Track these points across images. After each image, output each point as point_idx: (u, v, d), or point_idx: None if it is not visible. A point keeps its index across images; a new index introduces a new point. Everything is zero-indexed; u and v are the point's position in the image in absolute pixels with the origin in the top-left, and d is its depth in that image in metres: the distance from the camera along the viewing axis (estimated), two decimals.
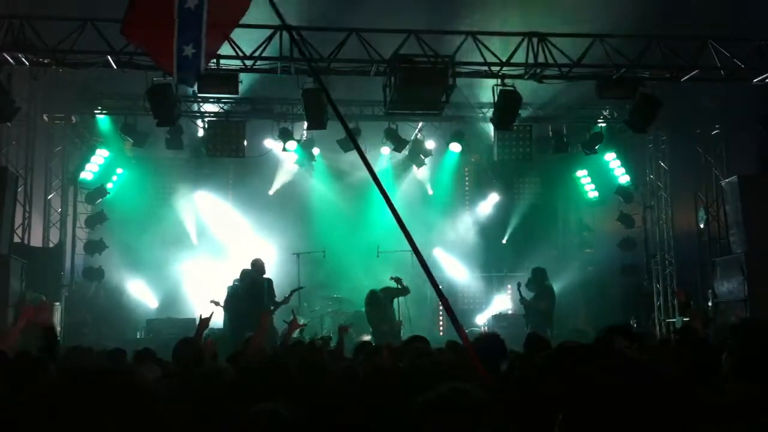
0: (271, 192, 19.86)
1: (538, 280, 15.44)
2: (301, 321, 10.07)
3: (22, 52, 12.84)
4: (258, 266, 14.51)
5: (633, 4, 12.74)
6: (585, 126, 18.22)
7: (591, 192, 19.97)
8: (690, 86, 14.47)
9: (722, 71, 13.72)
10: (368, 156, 18.10)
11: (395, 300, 14.55)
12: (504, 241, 20.37)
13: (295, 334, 8.38)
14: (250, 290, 14.27)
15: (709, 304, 15.57)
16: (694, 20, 13.25)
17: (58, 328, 15.67)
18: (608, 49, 13.45)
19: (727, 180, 15.68)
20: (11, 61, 12.92)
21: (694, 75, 13.84)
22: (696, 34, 13.65)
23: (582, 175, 19.98)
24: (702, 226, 17.31)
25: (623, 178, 18.93)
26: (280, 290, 14.72)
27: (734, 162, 16.55)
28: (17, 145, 15.85)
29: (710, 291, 15.70)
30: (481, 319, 19.03)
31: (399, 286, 14.38)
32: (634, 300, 18.61)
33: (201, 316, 7.39)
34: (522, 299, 15.20)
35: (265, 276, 14.47)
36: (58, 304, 15.91)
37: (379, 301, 14.16)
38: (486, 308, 19.62)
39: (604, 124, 18.10)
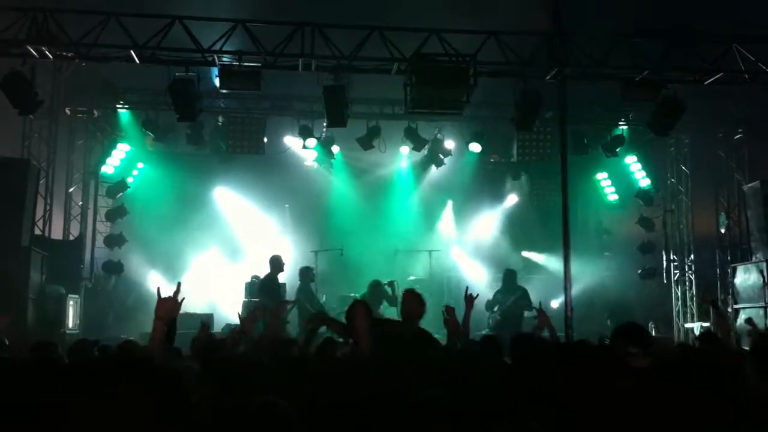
0: (289, 189, 19.89)
1: (512, 282, 15.44)
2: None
3: (45, 46, 12.92)
4: (271, 263, 14.73)
5: (655, 4, 12.66)
6: (606, 128, 18.12)
7: (611, 195, 19.85)
8: (713, 89, 14.34)
9: (746, 74, 13.59)
10: (388, 155, 18.21)
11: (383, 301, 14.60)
12: (521, 241, 20.27)
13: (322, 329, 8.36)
14: (262, 287, 14.60)
15: (729, 309, 15.43)
16: (718, 23, 13.14)
17: (77, 321, 15.81)
18: (631, 50, 13.36)
19: (749, 185, 15.54)
20: (35, 54, 13.01)
21: (718, 78, 13.72)
22: (720, 36, 13.53)
23: (602, 177, 19.87)
24: (722, 231, 17.18)
25: (644, 181, 18.80)
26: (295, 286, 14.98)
27: (757, 167, 16.41)
28: (39, 138, 15.97)
29: (729, 297, 15.58)
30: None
31: (390, 293, 14.49)
32: (654, 304, 18.48)
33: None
34: (492, 305, 15.20)
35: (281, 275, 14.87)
36: (77, 296, 15.99)
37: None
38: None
39: (625, 127, 17.99)
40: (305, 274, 15.26)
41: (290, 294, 15.61)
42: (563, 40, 13.27)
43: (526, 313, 15.00)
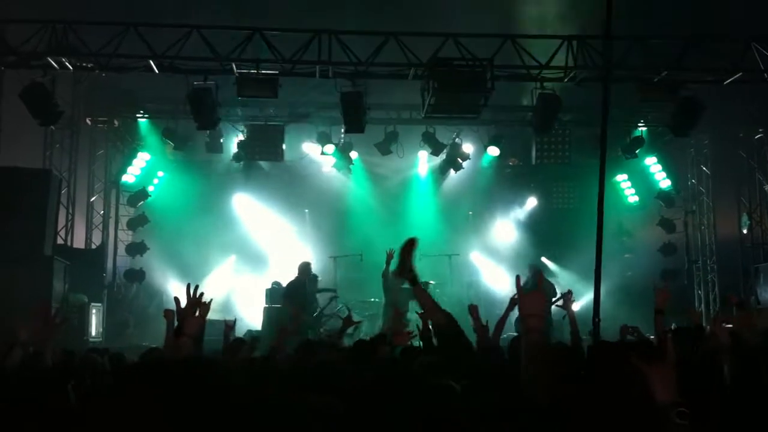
0: (308, 195, 19.95)
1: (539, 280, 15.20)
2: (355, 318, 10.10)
3: (65, 57, 13.08)
4: (299, 269, 14.91)
5: (674, 5, 12.60)
6: (625, 130, 18.01)
7: (631, 196, 19.73)
8: (733, 89, 14.24)
9: (766, 74, 13.48)
10: (406, 160, 18.20)
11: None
12: (540, 245, 20.19)
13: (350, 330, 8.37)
14: (289, 293, 14.70)
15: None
16: (736, 23, 13.05)
17: (100, 329, 15.93)
18: (648, 51, 13.30)
19: None
20: (55, 65, 13.16)
21: (737, 78, 13.62)
22: (739, 36, 13.44)
23: (622, 179, 19.76)
24: (745, 231, 17.04)
25: (664, 182, 18.67)
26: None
27: None
28: (61, 149, 16.11)
29: (753, 297, 15.44)
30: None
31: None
32: (677, 305, 18.32)
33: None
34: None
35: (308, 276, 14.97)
36: (99, 305, 16.11)
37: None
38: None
39: (644, 128, 17.87)
40: (302, 270, 15.16)
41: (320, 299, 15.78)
42: (581, 43, 13.25)
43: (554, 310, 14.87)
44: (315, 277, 15.70)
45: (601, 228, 4.37)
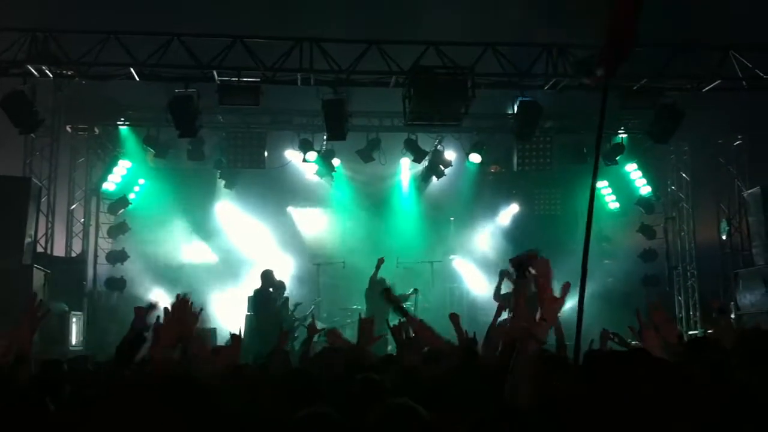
0: (291, 203, 19.94)
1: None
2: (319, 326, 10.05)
3: (45, 65, 13.01)
4: (262, 277, 15.10)
5: (653, 14, 12.69)
6: (606, 136, 18.10)
7: (611, 203, 19.83)
8: (712, 96, 14.38)
9: (744, 81, 13.64)
10: (388, 167, 18.24)
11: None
12: (522, 251, 20.23)
13: (316, 338, 8.30)
14: (254, 301, 15.10)
15: (732, 316, 15.42)
16: (715, 31, 13.19)
17: (81, 338, 15.83)
18: (629, 59, 13.39)
19: (749, 191, 15.56)
20: (35, 73, 13.09)
21: (716, 85, 13.77)
22: (717, 44, 13.59)
23: (602, 185, 19.85)
24: (724, 237, 17.18)
25: (644, 189, 18.79)
26: (298, 299, 15.07)
27: (757, 173, 16.41)
28: (41, 156, 16.01)
29: (732, 303, 15.56)
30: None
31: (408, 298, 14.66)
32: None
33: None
34: (504, 295, 13.98)
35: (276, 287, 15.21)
36: (80, 313, 16.01)
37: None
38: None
39: (625, 135, 17.98)
40: (266, 278, 15.18)
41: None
42: (561, 50, 13.35)
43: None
44: (282, 284, 15.68)
45: (589, 235, 4.38)
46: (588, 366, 3.23)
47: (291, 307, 15.39)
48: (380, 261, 15.43)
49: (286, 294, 15.85)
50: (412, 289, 15.75)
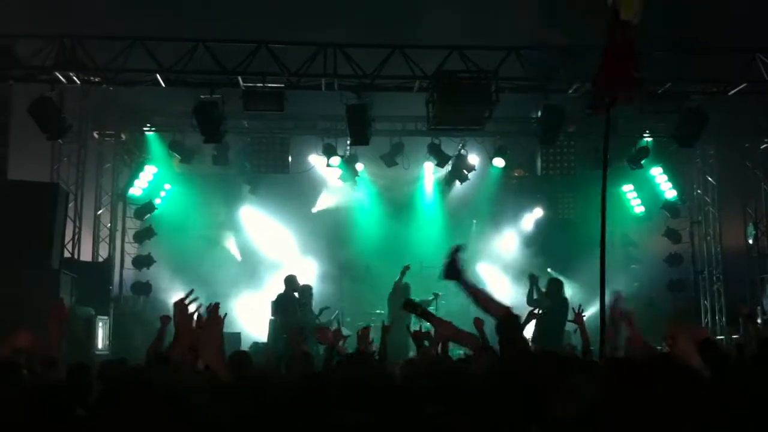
0: (315, 208, 20.01)
1: (556, 292, 15.08)
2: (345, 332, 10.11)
3: (73, 71, 13.18)
4: (286, 282, 15.13)
5: (678, 17, 12.63)
6: (631, 140, 18.00)
7: (637, 207, 19.72)
8: (738, 100, 14.27)
9: None
10: (411, 171, 18.30)
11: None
12: (546, 256, 20.17)
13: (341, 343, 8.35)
14: (277, 305, 15.03)
15: (759, 321, 15.27)
16: (740, 34, 13.09)
17: (107, 342, 15.97)
18: (653, 63, 13.35)
19: None
20: (63, 80, 13.26)
21: (741, 89, 13.66)
22: (743, 47, 13.48)
23: (628, 189, 19.75)
24: (750, 241, 17.02)
25: (670, 192, 18.64)
26: (322, 304, 15.16)
27: None
28: (68, 162, 16.19)
29: (759, 308, 15.41)
30: (526, 333, 18.85)
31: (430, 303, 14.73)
32: (684, 316, 18.29)
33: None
34: (536, 300, 14.16)
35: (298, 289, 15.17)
36: (106, 318, 16.16)
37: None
38: (530, 323, 19.41)
39: (650, 138, 17.86)
40: (289, 282, 15.25)
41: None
42: (584, 54, 13.30)
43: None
44: (308, 287, 15.70)
45: (604, 243, 4.40)
46: (610, 372, 3.25)
47: (316, 311, 15.42)
48: (405, 268, 15.46)
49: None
50: (432, 295, 15.76)
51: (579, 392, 3.28)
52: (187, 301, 4.70)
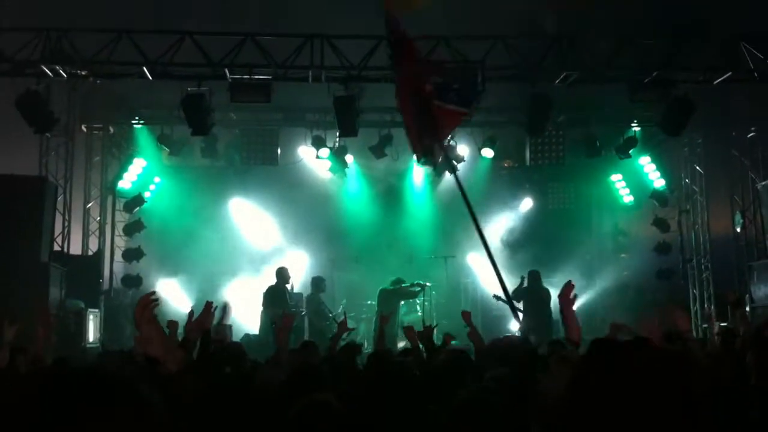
0: (304, 199, 20.01)
1: (537, 282, 15.21)
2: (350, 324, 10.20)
3: (59, 65, 13.15)
4: (277, 275, 15.40)
5: (663, 5, 12.68)
6: (619, 129, 18.07)
7: (626, 196, 19.81)
8: (725, 88, 14.32)
9: (755, 73, 13.57)
10: (401, 163, 18.30)
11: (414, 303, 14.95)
12: (536, 245, 20.25)
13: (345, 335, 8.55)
14: (268, 297, 15.21)
15: (747, 308, 15.36)
16: (725, 21, 13.14)
17: (97, 335, 15.98)
18: (639, 51, 13.39)
19: (763, 183, 15.49)
20: (49, 73, 13.23)
21: (727, 77, 13.71)
22: (728, 35, 13.53)
23: (616, 179, 19.83)
24: (738, 230, 17.10)
25: (658, 182, 18.73)
26: (311, 294, 15.29)
27: None
28: (56, 156, 16.15)
29: (747, 296, 15.49)
30: (515, 325, 18.92)
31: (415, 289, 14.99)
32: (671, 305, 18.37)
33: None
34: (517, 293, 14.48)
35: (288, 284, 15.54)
36: (96, 311, 16.16)
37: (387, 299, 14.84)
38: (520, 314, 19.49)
39: (638, 128, 17.92)
40: (315, 284, 15.57)
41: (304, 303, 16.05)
42: (571, 43, 13.33)
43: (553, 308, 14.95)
44: (322, 279, 16.01)
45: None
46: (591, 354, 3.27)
47: (331, 305, 15.75)
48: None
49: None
50: (418, 287, 15.90)
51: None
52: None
